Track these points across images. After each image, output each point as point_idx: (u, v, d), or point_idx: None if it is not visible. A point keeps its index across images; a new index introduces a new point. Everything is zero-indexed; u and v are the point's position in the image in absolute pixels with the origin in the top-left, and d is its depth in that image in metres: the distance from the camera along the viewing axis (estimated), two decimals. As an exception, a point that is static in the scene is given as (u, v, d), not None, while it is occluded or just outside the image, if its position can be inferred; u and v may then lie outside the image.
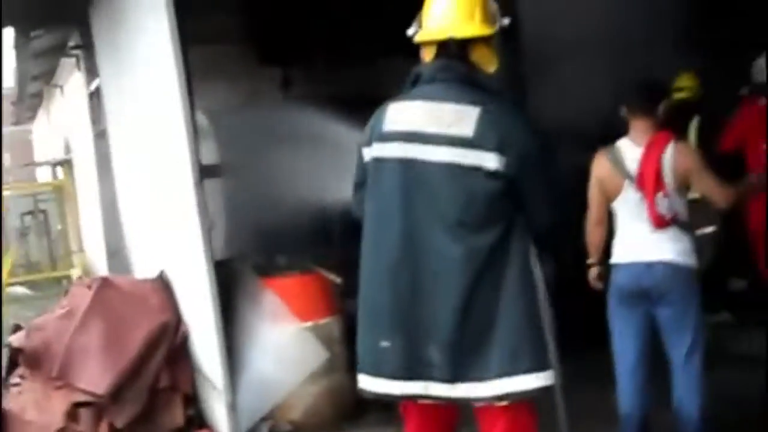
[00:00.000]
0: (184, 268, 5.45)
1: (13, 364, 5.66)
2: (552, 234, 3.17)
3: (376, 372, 3.13)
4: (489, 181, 2.94)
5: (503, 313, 2.98)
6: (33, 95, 15.91)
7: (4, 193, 15.26)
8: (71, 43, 10.24)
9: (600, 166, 4.45)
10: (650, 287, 4.32)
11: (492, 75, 3.13)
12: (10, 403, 5.29)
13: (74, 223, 13.94)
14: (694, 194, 5.13)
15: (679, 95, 7.24)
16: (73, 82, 11.53)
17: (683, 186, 4.34)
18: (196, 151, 5.12)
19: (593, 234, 4.55)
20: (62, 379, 5.26)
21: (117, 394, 5.18)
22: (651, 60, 7.01)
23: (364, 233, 3.20)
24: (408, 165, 3.04)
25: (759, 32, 6.82)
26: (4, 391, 5.43)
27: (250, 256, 5.80)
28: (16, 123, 22.21)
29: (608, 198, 4.44)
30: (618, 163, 4.37)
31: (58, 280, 13.58)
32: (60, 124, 14.69)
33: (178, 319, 5.53)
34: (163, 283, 5.78)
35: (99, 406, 5.14)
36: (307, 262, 5.71)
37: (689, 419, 4.31)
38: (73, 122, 12.15)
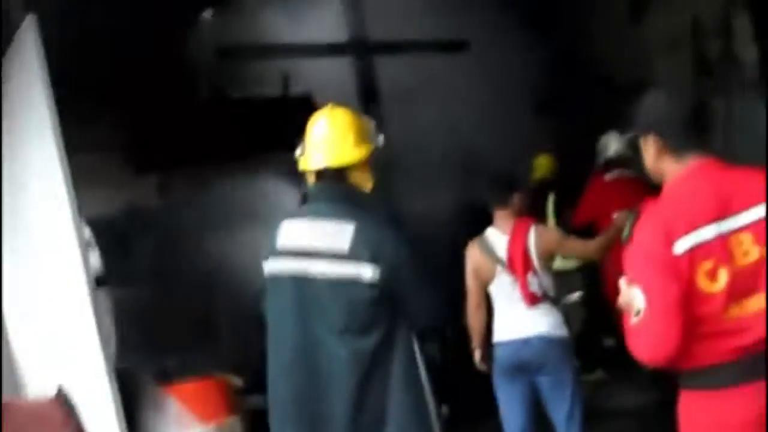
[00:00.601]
0: (83, 381, 5.53)
1: None
2: (435, 327, 3.52)
3: None
4: (367, 290, 3.30)
5: (392, 406, 3.34)
6: None
7: None
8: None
9: (473, 256, 4.88)
10: (529, 360, 4.74)
11: (369, 191, 3.49)
12: None
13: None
14: (561, 265, 5.63)
15: (537, 175, 7.84)
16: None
17: (548, 263, 4.79)
18: (87, 261, 5.27)
19: (474, 318, 4.94)
20: None
21: None
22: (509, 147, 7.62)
23: (269, 340, 3.50)
24: (298, 277, 3.41)
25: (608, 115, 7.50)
26: None
27: (146, 364, 5.93)
28: None
29: (484, 283, 4.85)
30: (488, 251, 4.80)
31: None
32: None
33: (81, 433, 5.61)
34: (62, 399, 5.84)
35: None
36: (203, 364, 5.88)
37: None
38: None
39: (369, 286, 3.32)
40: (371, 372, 3.33)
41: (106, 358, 5.07)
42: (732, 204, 2.77)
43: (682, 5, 9.27)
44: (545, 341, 4.74)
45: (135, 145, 8.30)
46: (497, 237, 4.85)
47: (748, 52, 8.96)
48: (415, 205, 7.93)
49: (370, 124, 3.60)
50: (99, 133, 7.76)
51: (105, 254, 6.55)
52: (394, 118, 8.81)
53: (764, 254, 2.74)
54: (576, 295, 7.17)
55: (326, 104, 3.73)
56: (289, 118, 8.17)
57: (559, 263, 5.60)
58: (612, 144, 7.15)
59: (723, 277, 2.73)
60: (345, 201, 3.47)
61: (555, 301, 4.85)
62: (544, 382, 4.79)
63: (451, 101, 8.86)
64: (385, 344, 3.35)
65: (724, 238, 2.74)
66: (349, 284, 3.34)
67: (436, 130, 8.67)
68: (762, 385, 2.70)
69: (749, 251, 2.76)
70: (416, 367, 3.41)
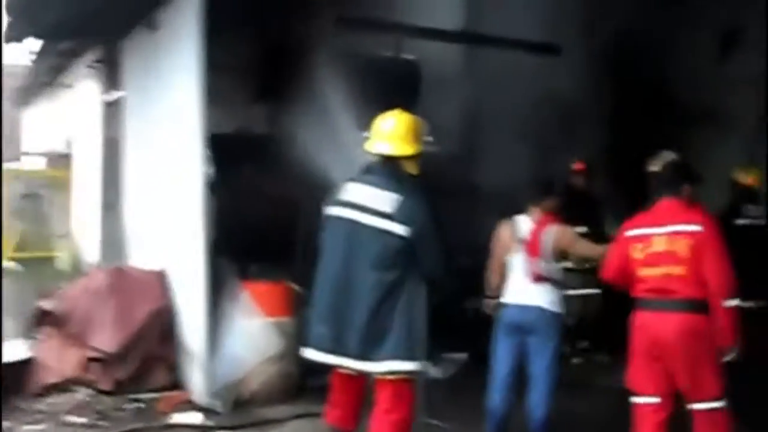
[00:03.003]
0: (183, 263, 6.93)
1: (39, 322, 7.17)
2: (439, 278, 4.85)
3: (315, 347, 4.89)
4: (397, 241, 4.70)
5: (396, 321, 4.71)
6: (36, 86, 17.20)
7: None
8: (94, 57, 11.66)
9: (503, 231, 6.12)
10: (524, 323, 5.97)
11: (414, 174, 4.85)
12: (37, 352, 6.80)
13: (64, 211, 15.26)
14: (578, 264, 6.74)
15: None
16: (86, 89, 12.86)
17: (558, 255, 5.97)
18: (206, 170, 6.63)
19: (493, 277, 6.19)
20: (80, 338, 6.78)
21: (121, 354, 6.70)
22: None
23: (321, 260, 4.88)
24: (351, 223, 4.82)
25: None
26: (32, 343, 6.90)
27: (231, 262, 7.10)
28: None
29: (505, 254, 6.09)
30: (515, 231, 6.03)
31: (45, 259, 14.93)
32: (62, 119, 15.94)
33: (171, 304, 7.07)
34: (162, 275, 7.31)
35: (106, 362, 6.66)
36: (276, 273, 7.15)
37: (538, 417, 5.94)
38: (81, 123, 13.44)
39: (399, 238, 4.69)
40: (386, 296, 4.69)
41: (207, 251, 6.49)
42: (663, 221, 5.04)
43: (764, 51, 10.09)
44: (540, 311, 5.93)
45: (253, 77, 9.50)
46: (525, 223, 6.05)
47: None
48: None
49: (424, 127, 4.91)
50: (225, 60, 8.82)
51: (215, 167, 7.57)
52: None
53: (669, 248, 4.98)
54: (592, 291, 8.28)
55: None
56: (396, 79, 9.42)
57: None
58: None
59: (643, 252, 5.06)
60: (395, 179, 4.82)
61: (557, 284, 6.03)
62: (531, 342, 5.98)
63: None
64: (399, 280, 4.72)
65: (649, 235, 5.06)
66: (385, 235, 4.71)
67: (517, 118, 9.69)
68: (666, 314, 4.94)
69: (661, 243, 5.02)
70: (417, 302, 4.77)
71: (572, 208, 7.21)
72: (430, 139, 4.94)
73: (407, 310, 4.73)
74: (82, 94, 13.15)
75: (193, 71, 6.61)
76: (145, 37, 8.42)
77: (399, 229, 4.70)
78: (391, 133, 4.88)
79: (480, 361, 8.04)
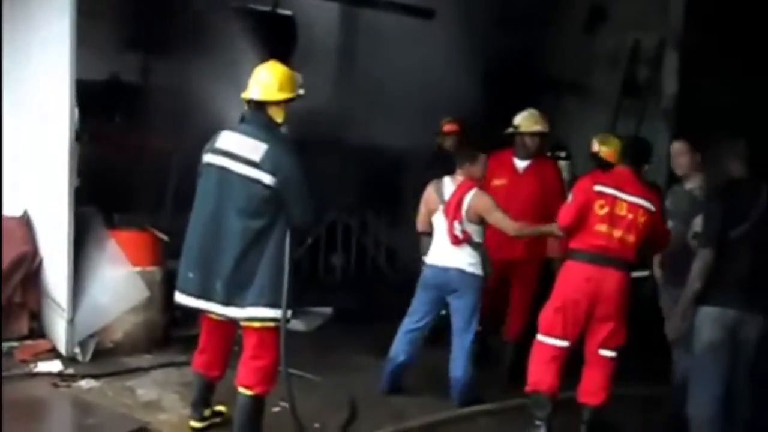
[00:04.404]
0: (47, 209, 6.77)
1: None
2: (309, 226, 4.93)
3: (184, 291, 4.98)
4: (264, 189, 4.78)
5: (261, 269, 4.81)
6: None
7: None
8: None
9: (429, 190, 6.33)
10: (445, 283, 6.20)
11: (280, 122, 4.95)
12: None
13: None
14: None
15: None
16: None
17: (476, 219, 6.12)
18: (73, 116, 6.49)
19: (422, 227, 6.47)
20: (-63, 288, 6.54)
21: (-21, 303, 6.49)
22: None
23: (193, 206, 4.92)
24: (223, 170, 4.90)
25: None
26: None
27: (98, 209, 6.99)
28: None
29: (429, 212, 6.29)
30: (439, 192, 6.22)
31: None
32: None
33: (35, 251, 6.89)
34: (25, 220, 7.10)
35: (-36, 310, 6.46)
36: (144, 221, 7.11)
37: (453, 375, 6.20)
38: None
39: (265, 187, 4.76)
40: (253, 244, 4.80)
41: (71, 197, 6.38)
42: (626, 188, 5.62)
43: (627, 29, 10.56)
44: (459, 272, 6.16)
45: (125, 25, 9.31)
46: (449, 185, 6.25)
47: (669, 85, 10.32)
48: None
49: (297, 79, 4.99)
50: (97, 6, 8.61)
51: (84, 114, 7.21)
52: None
53: (629, 216, 5.56)
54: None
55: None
56: (271, 31, 9.43)
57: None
58: None
59: (605, 210, 5.57)
60: (264, 128, 4.91)
61: (477, 246, 6.19)
62: (453, 299, 6.24)
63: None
64: (266, 228, 4.80)
65: (614, 197, 5.58)
66: (253, 183, 4.78)
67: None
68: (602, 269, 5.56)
69: (623, 209, 5.58)
70: (283, 250, 4.84)
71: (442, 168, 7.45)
72: (303, 92, 4.99)
73: (274, 258, 4.81)
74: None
75: (63, 15, 6.44)
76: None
77: (265, 177, 4.77)
78: (261, 80, 4.97)
79: (345, 317, 8.31)
